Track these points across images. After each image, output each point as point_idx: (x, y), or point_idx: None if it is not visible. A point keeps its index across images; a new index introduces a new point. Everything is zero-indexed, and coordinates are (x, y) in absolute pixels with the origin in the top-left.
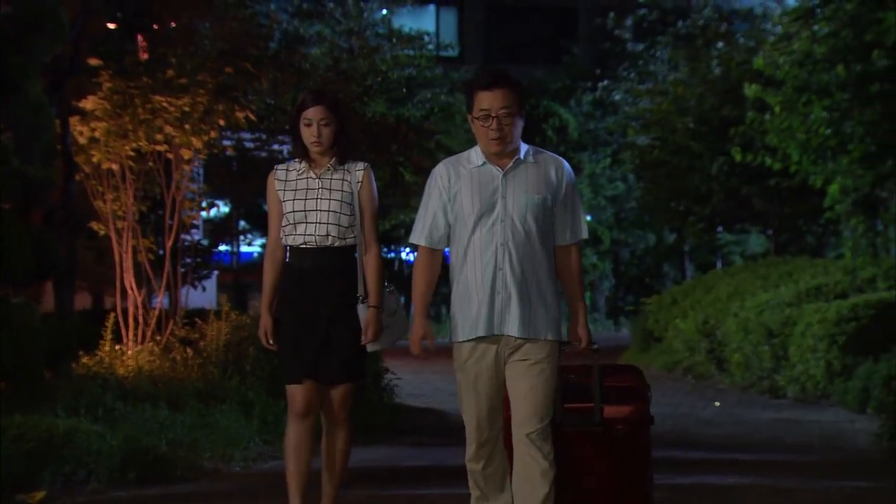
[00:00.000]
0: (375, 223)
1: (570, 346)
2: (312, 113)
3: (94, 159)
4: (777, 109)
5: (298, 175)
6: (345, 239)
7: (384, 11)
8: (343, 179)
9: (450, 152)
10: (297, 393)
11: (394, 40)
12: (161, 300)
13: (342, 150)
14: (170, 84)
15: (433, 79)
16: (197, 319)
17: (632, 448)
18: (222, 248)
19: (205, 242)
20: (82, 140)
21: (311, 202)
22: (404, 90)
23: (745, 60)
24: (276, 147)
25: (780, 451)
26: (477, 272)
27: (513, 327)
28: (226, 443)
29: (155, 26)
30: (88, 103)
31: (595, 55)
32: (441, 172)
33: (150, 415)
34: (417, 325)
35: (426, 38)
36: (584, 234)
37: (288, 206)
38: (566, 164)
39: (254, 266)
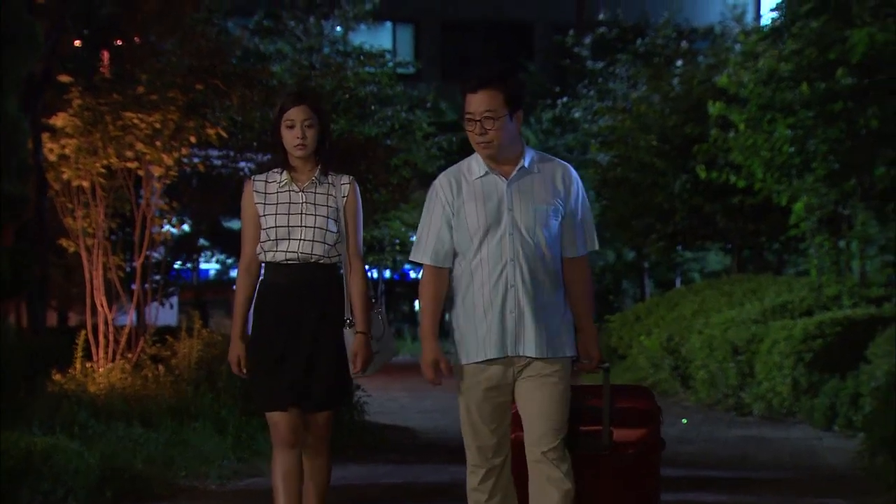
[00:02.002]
0: (360, 240)
1: (579, 363)
2: (295, 113)
3: (65, 176)
4: (741, 127)
5: (280, 187)
6: (329, 257)
7: (339, 29)
8: (328, 194)
9: (416, 168)
10: (281, 422)
11: (361, 57)
12: (131, 317)
13: (326, 158)
14: (140, 100)
15: (393, 96)
16: (168, 337)
17: (640, 473)
18: (187, 265)
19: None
20: (52, 157)
21: (294, 217)
22: (372, 107)
23: (707, 78)
24: (241, 164)
25: (752, 469)
26: (485, 290)
27: (529, 347)
28: (200, 461)
29: (119, 42)
30: (58, 120)
31: (553, 72)
32: (442, 185)
33: (124, 433)
34: (428, 350)
35: (387, 56)
36: (595, 245)
37: (269, 221)
38: (573, 170)
39: (214, 284)
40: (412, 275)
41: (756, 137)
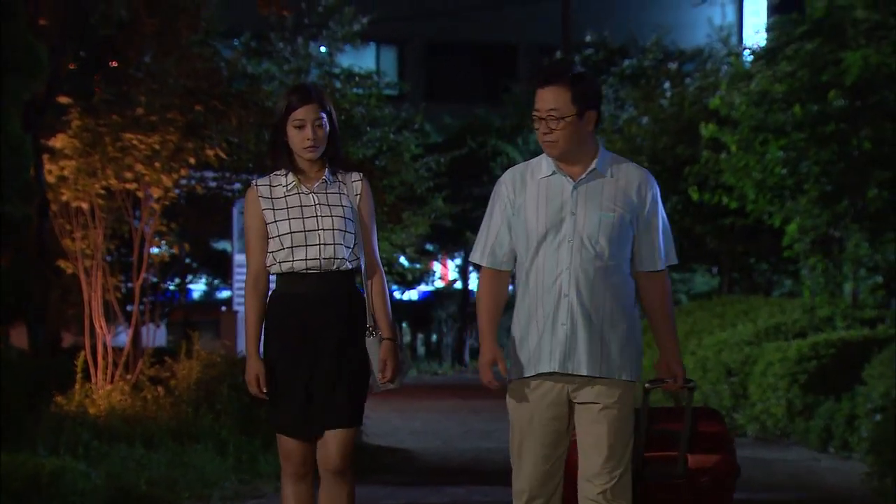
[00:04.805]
0: (376, 241)
1: (661, 383)
2: (304, 112)
3: (64, 198)
4: (733, 149)
5: (287, 191)
6: (349, 261)
7: (323, 49)
8: (340, 193)
9: (411, 188)
10: (294, 449)
11: (357, 78)
12: (130, 338)
13: (334, 158)
14: (139, 122)
15: (381, 117)
16: (166, 358)
17: (715, 499)
18: (175, 285)
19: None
20: (51, 179)
21: (309, 221)
22: (368, 128)
23: (698, 100)
24: (235, 186)
25: (752, 491)
26: (539, 299)
27: (581, 364)
28: (203, 482)
29: (114, 64)
30: (58, 141)
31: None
32: (506, 182)
33: (126, 454)
34: (486, 350)
35: (375, 78)
36: (674, 259)
37: (282, 228)
38: (652, 178)
39: (202, 305)
40: (397, 296)
41: (748, 159)
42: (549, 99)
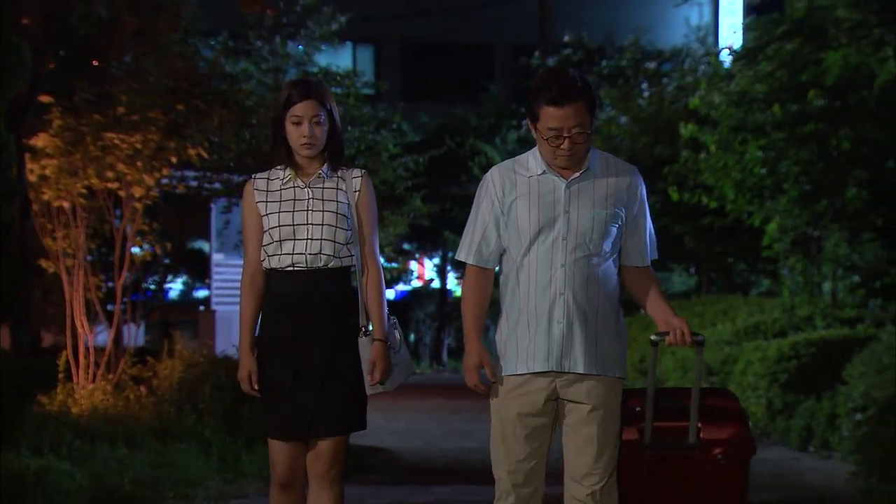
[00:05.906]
0: (376, 239)
1: (666, 335)
2: (302, 109)
3: (45, 197)
4: (713, 149)
5: (283, 184)
6: (340, 258)
7: (301, 47)
8: (337, 188)
9: (393, 188)
10: (280, 458)
11: (338, 77)
12: (112, 338)
13: (335, 155)
14: (120, 121)
15: (360, 117)
16: (148, 358)
17: (729, 479)
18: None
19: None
20: (32, 178)
21: (300, 214)
22: (348, 128)
23: (677, 100)
24: (216, 185)
25: None
26: (532, 297)
27: (578, 363)
28: (186, 482)
29: (95, 63)
30: (39, 141)
31: (516, 92)
32: (494, 179)
33: (109, 454)
34: (472, 352)
35: (353, 77)
36: (655, 254)
37: (272, 220)
38: (640, 175)
39: (179, 305)
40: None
41: (727, 159)
42: (571, 116)
